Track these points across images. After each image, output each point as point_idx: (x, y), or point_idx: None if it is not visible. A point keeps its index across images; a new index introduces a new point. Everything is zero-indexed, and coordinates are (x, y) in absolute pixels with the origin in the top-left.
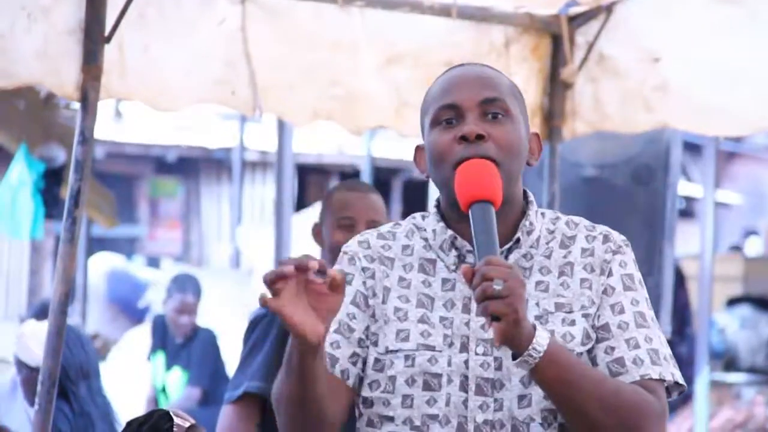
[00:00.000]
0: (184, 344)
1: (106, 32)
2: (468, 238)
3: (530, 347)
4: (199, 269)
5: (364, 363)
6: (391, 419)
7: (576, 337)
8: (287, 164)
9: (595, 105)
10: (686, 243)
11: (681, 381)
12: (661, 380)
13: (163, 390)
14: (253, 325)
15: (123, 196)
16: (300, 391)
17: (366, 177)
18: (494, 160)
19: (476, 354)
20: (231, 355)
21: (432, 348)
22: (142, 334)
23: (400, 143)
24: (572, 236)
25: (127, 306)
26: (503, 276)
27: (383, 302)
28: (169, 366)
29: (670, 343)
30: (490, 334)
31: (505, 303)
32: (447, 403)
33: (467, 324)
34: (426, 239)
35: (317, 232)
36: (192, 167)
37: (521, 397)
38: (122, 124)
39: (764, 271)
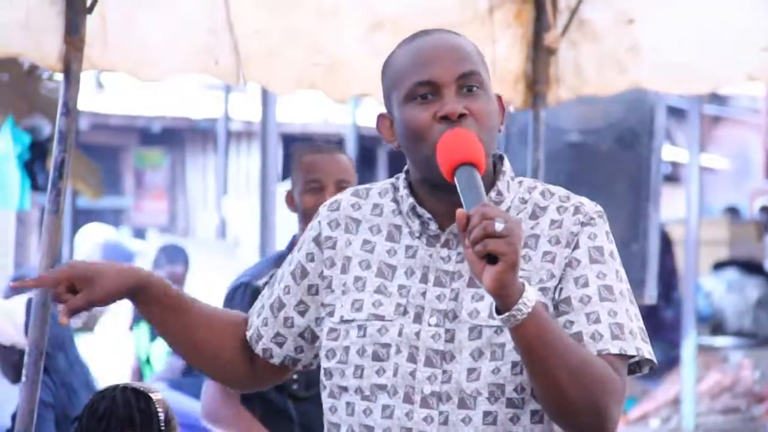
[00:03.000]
0: None
1: (88, 3)
2: (432, 209)
3: (520, 301)
4: (184, 240)
5: (299, 343)
6: (345, 389)
7: None
8: (272, 134)
9: (575, 70)
10: (672, 208)
11: (649, 355)
12: (623, 356)
13: (148, 361)
14: (231, 294)
15: (108, 167)
16: (167, 341)
17: (351, 146)
18: (477, 136)
19: (429, 325)
20: None
21: (382, 318)
22: (130, 305)
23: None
24: (544, 207)
25: None
26: (503, 216)
27: (342, 272)
28: (153, 336)
29: (656, 308)
30: (445, 304)
31: (506, 242)
32: (395, 374)
33: (423, 294)
34: (397, 202)
35: (290, 199)
36: (177, 138)
37: (470, 371)
38: (105, 95)
39: (750, 235)
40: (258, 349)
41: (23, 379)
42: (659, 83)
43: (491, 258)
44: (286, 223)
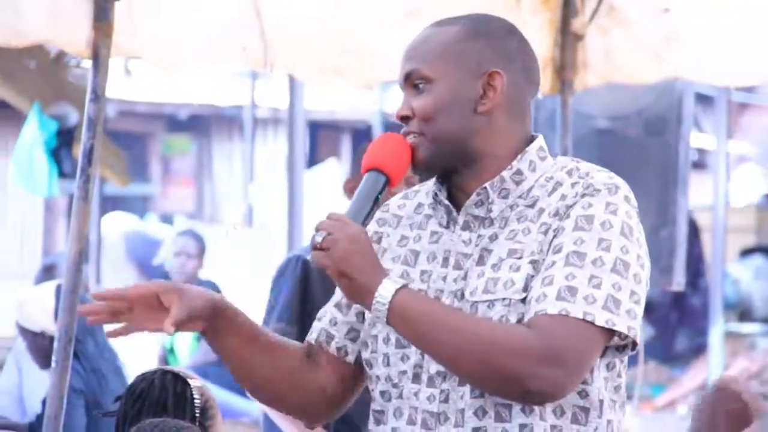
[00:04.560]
0: None
1: None
2: (452, 192)
3: (374, 300)
4: (211, 226)
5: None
6: (378, 378)
7: (516, 283)
8: (299, 120)
9: (605, 56)
10: (699, 195)
11: (609, 325)
12: (563, 316)
13: (172, 350)
14: (284, 267)
15: (135, 154)
16: (241, 375)
17: (378, 132)
18: (421, 133)
19: None
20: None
21: None
22: None
23: None
24: (562, 182)
25: (144, 265)
26: (328, 228)
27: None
28: None
29: (684, 295)
30: (458, 285)
31: (326, 255)
32: (415, 357)
33: (444, 278)
34: (435, 195)
35: (349, 188)
36: (203, 125)
37: None
38: (132, 82)
39: None
40: (332, 348)
41: (53, 364)
42: (698, 74)
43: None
44: (314, 209)
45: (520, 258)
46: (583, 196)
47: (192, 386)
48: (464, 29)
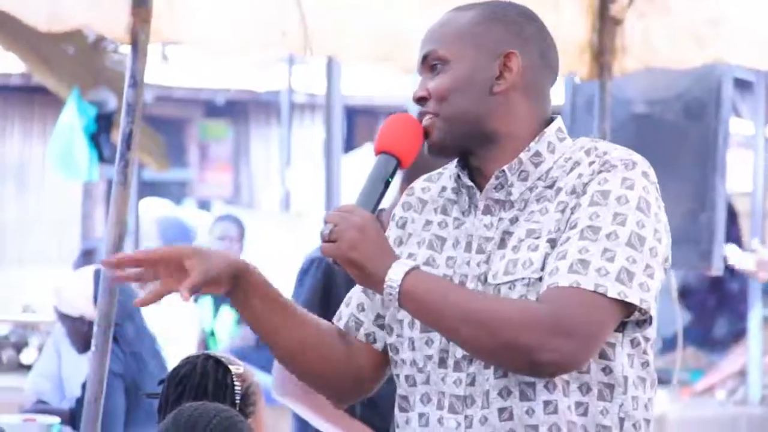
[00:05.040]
0: None
1: None
2: (473, 175)
3: (386, 284)
4: (249, 211)
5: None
6: (404, 362)
7: (535, 263)
8: (336, 105)
9: (645, 41)
10: (737, 179)
11: (613, 294)
12: (574, 288)
13: (212, 333)
14: (307, 266)
15: (173, 139)
16: (270, 342)
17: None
18: (436, 113)
19: None
20: None
21: None
22: None
23: None
24: (580, 161)
25: None
26: (334, 220)
27: (399, 246)
28: (216, 309)
29: (722, 279)
30: (481, 269)
31: (334, 246)
32: (440, 342)
33: (468, 263)
34: (453, 178)
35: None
36: (241, 110)
37: None
38: (169, 67)
39: None
40: (361, 334)
41: (92, 348)
42: (739, 58)
43: None
44: (351, 194)
45: (538, 238)
46: (599, 172)
47: (233, 373)
48: (482, 13)
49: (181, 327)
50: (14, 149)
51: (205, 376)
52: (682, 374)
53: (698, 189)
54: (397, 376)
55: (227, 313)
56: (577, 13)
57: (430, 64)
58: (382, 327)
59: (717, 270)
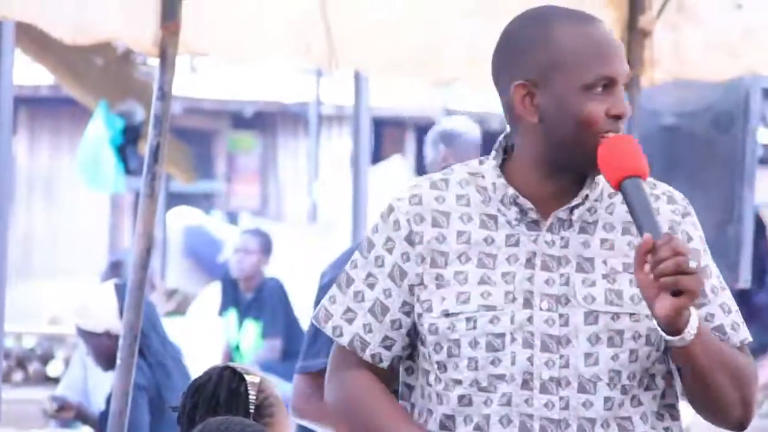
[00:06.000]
0: (254, 298)
1: None
2: (533, 193)
3: (687, 328)
4: (276, 223)
5: (406, 341)
6: (459, 382)
7: (641, 300)
8: (364, 117)
9: (675, 52)
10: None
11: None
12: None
13: (237, 347)
14: (328, 284)
15: (200, 151)
16: None
17: None
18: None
19: (540, 309)
20: (307, 310)
21: (493, 308)
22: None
23: (477, 95)
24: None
25: (204, 261)
26: (691, 254)
27: (433, 266)
28: (241, 322)
29: (749, 292)
30: (554, 289)
31: (697, 279)
32: (513, 362)
33: (530, 279)
34: (485, 189)
35: None
36: (269, 122)
37: (587, 355)
38: (198, 79)
39: None
40: (367, 355)
41: (117, 362)
42: None
43: (678, 290)
44: (378, 206)
45: (631, 273)
46: (684, 215)
47: (248, 382)
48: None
49: (207, 341)
50: (43, 161)
51: (218, 386)
52: None
53: (726, 201)
54: (439, 394)
55: (252, 326)
56: (606, 25)
57: (624, 83)
58: (389, 348)
59: (745, 283)
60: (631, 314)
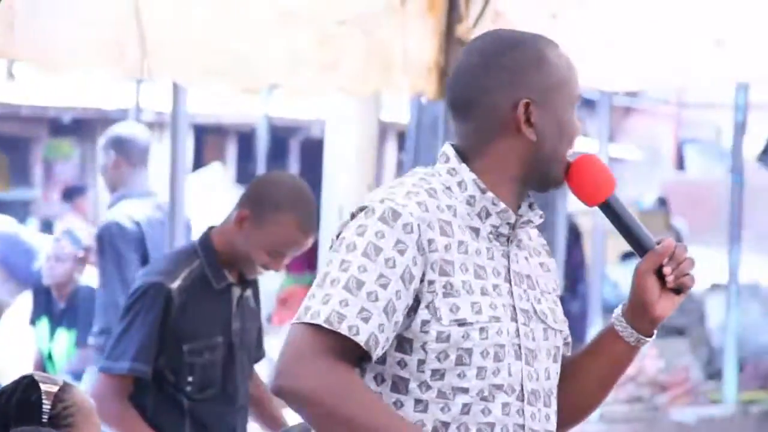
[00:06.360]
0: (67, 307)
1: None
2: (508, 205)
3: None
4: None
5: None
6: (465, 391)
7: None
8: (182, 125)
9: None
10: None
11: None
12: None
13: (50, 357)
14: (143, 292)
15: (17, 158)
16: None
17: (263, 136)
18: None
19: (521, 323)
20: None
21: (498, 319)
22: (31, 298)
23: (297, 102)
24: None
25: (18, 270)
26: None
27: (441, 274)
28: (53, 331)
29: (562, 299)
30: (523, 304)
31: (694, 279)
32: (509, 373)
33: (511, 293)
34: (469, 203)
35: (242, 221)
36: (88, 129)
37: (546, 370)
38: (15, 85)
39: (657, 224)
40: (375, 354)
41: None
42: (584, 80)
43: (680, 289)
44: (196, 212)
45: (550, 293)
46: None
47: (43, 391)
48: None
49: (18, 351)
50: None
51: (12, 396)
52: None
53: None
54: (426, 402)
55: (64, 335)
56: (423, 34)
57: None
58: (383, 348)
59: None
60: (561, 332)
